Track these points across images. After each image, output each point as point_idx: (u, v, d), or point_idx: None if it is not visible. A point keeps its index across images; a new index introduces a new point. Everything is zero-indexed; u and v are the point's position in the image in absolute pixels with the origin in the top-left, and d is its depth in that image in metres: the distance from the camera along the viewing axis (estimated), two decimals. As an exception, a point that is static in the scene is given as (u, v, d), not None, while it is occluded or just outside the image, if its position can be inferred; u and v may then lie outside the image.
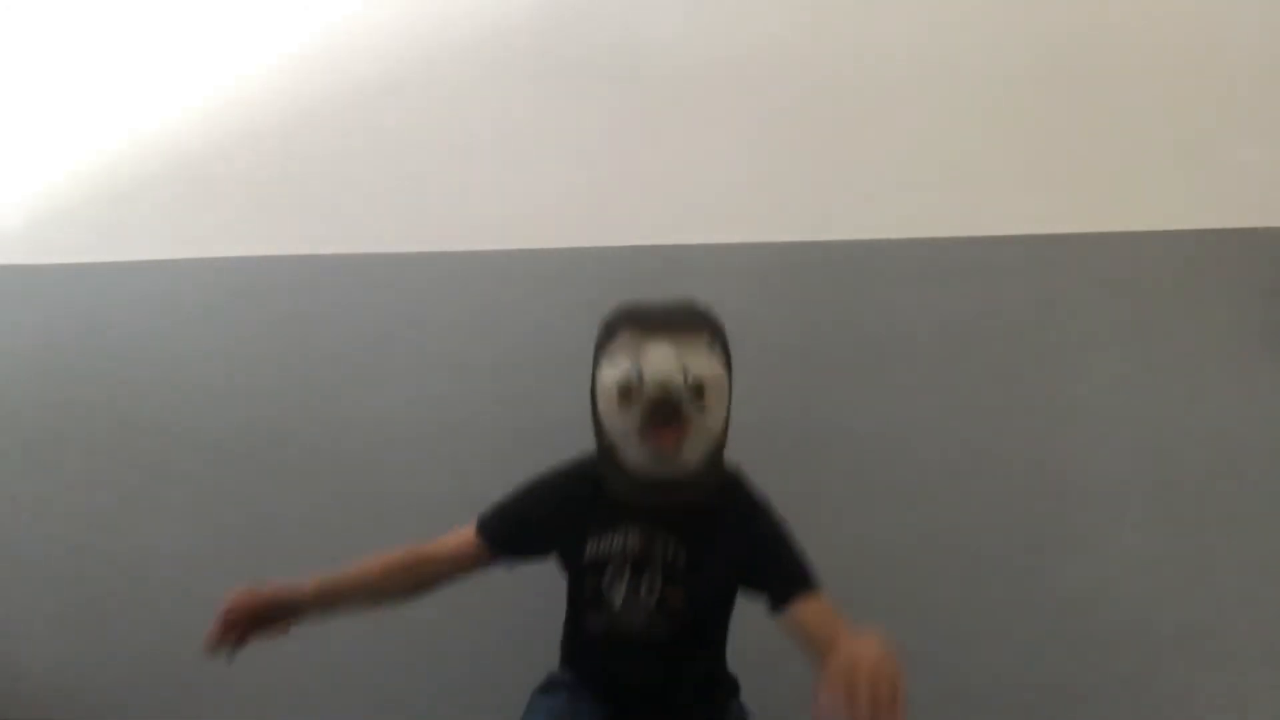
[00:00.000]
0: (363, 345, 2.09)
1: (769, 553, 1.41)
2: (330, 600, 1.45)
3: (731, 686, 1.57)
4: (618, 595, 1.41)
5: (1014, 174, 2.10)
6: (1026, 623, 1.87)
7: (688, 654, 1.44)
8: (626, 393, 1.35)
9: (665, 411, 1.34)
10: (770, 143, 2.15)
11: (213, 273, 2.16)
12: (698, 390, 1.35)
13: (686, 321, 1.40)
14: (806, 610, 1.33)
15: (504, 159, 2.19)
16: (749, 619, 1.51)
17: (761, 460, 1.64)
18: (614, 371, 1.37)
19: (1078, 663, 1.86)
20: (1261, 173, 2.07)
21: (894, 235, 2.06)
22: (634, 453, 1.37)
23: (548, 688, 1.56)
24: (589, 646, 1.49)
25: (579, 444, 1.56)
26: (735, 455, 1.58)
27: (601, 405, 1.40)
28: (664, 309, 1.41)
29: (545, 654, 1.59)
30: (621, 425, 1.37)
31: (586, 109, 2.20)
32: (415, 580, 1.48)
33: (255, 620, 1.36)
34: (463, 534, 1.49)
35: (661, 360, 1.34)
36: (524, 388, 2.02)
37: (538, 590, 1.62)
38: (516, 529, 1.48)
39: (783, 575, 1.38)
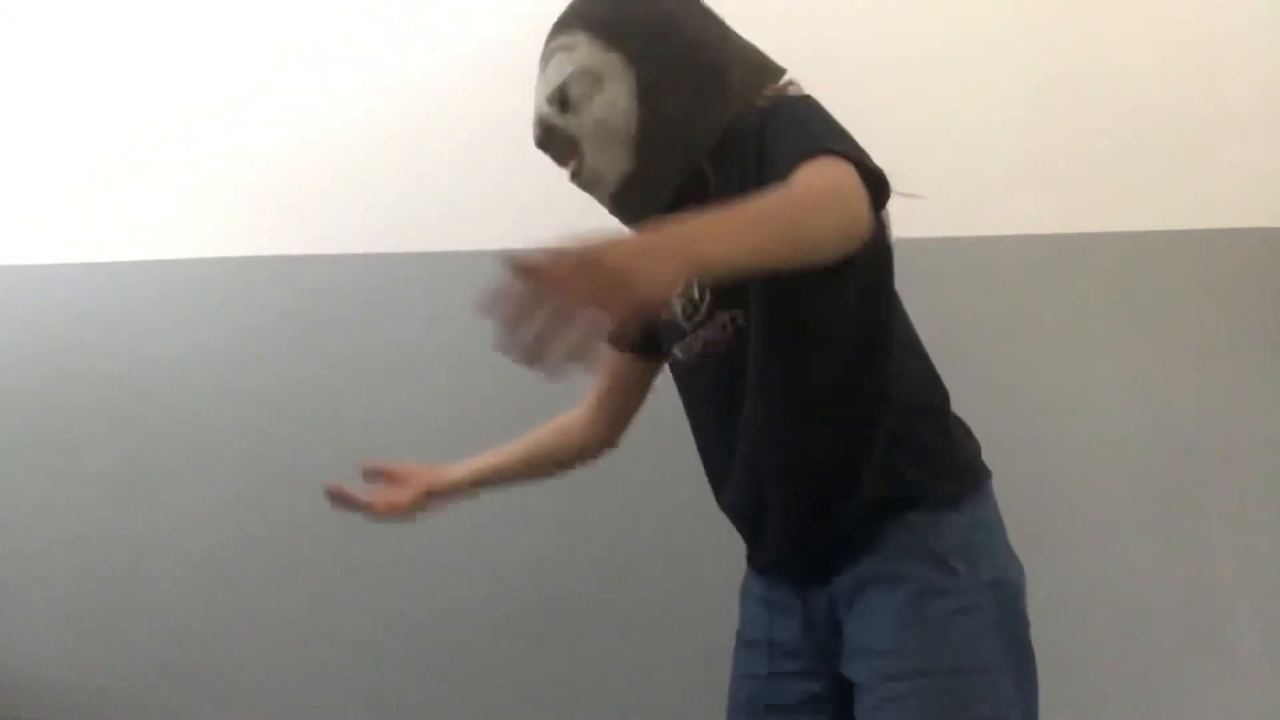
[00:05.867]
0: (363, 345, 2.09)
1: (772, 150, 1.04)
2: None
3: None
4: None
5: (1014, 174, 2.11)
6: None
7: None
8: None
9: (549, 148, 1.20)
10: (770, 143, 2.15)
11: (213, 273, 2.16)
12: (562, 103, 1.14)
13: (553, 34, 1.20)
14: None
15: (504, 159, 2.18)
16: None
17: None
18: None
19: (1078, 662, 1.86)
20: (1261, 173, 2.07)
21: (894, 235, 2.06)
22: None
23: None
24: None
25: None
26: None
27: None
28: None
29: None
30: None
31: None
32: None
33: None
34: None
35: (535, 99, 1.17)
36: (526, 387, 2.01)
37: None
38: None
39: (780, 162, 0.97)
